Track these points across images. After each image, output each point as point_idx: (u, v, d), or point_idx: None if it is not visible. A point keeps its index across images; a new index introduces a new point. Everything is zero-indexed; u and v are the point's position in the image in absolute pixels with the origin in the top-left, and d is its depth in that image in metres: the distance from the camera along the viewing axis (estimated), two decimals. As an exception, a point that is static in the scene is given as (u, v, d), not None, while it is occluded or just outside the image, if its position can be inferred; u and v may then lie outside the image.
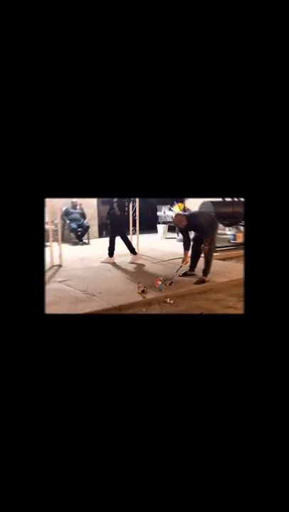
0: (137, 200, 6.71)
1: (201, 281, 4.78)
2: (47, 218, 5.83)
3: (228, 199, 7.90)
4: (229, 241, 7.86)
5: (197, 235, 4.81)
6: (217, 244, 7.03)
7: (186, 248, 4.96)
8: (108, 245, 6.03)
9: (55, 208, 6.32)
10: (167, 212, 9.41)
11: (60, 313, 3.54)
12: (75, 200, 8.40)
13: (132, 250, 6.15)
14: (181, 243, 5.07)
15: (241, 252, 7.26)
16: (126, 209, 6.31)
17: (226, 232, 8.84)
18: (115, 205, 5.85)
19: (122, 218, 6.11)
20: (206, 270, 4.87)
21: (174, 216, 5.69)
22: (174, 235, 9.23)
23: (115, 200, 5.83)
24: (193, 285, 4.69)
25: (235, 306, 4.04)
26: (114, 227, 5.99)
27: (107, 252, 6.05)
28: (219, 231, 8.14)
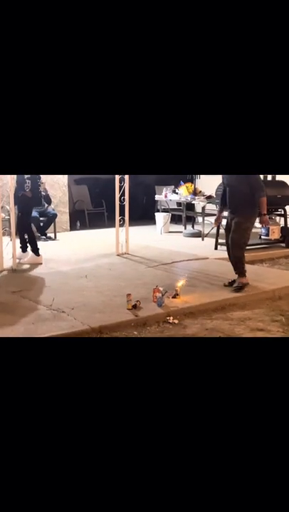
0: (126, 177, 6.75)
1: (240, 287, 5.06)
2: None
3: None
4: (260, 237, 7.92)
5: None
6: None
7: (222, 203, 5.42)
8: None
9: (5, 188, 6.31)
10: (170, 195, 9.46)
11: (11, 337, 3.53)
12: (42, 180, 8.40)
13: (35, 249, 6.36)
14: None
15: (277, 251, 7.33)
16: (39, 189, 6.66)
17: (255, 225, 8.92)
18: (28, 183, 6.11)
19: (34, 201, 6.46)
20: (239, 266, 5.12)
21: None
22: (180, 227, 9.29)
23: (27, 176, 6.09)
24: (230, 293, 4.84)
25: (268, 329, 4.08)
26: (24, 211, 6.33)
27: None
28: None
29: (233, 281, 5.17)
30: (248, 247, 7.29)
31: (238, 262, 5.20)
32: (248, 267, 5.41)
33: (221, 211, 5.61)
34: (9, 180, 5.96)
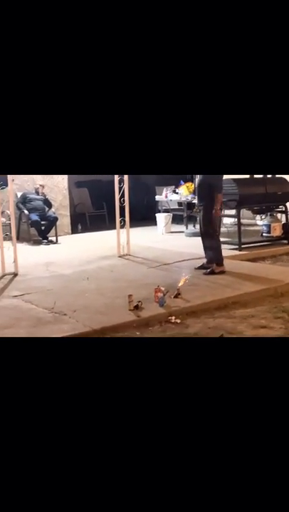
0: (126, 178, 6.76)
1: (211, 272, 5.64)
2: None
3: (257, 176, 7.95)
4: (262, 234, 7.91)
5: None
6: (245, 240, 7.17)
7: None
8: None
9: (5, 192, 6.34)
10: (170, 195, 9.46)
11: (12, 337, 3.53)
12: (40, 182, 8.46)
13: None
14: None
15: (279, 249, 7.32)
16: None
17: (257, 223, 8.94)
18: None
19: None
20: (214, 253, 5.69)
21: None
22: (181, 227, 9.29)
23: None
24: (233, 292, 4.76)
25: (271, 326, 4.06)
26: None
27: None
28: (245, 221, 8.27)
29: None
30: (250, 245, 7.33)
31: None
32: (250, 264, 5.43)
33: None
34: (9, 185, 5.97)
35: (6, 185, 5.96)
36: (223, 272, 5.68)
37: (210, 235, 5.87)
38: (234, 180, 7.20)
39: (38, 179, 8.56)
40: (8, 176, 5.89)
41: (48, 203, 8.47)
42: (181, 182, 9.35)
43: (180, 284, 4.78)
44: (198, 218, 6.03)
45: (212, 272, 5.67)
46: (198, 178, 5.92)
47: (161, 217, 9.29)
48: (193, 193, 8.89)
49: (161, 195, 9.63)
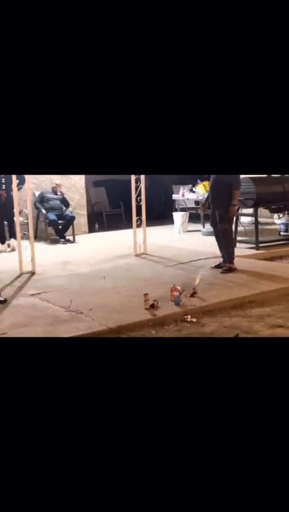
0: (142, 178, 6.77)
1: (228, 270, 5.66)
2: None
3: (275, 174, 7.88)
4: (279, 233, 7.85)
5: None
6: (262, 239, 7.12)
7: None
8: None
9: (23, 192, 6.40)
10: (187, 194, 9.44)
11: (29, 337, 3.57)
12: (57, 181, 8.52)
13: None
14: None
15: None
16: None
17: (274, 221, 8.87)
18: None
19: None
20: (228, 251, 5.68)
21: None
22: (198, 226, 9.26)
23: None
24: (249, 291, 4.73)
25: (288, 325, 4.03)
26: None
27: None
28: (263, 219, 8.20)
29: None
30: (267, 244, 7.28)
31: None
32: (266, 263, 5.40)
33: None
34: (26, 184, 6.02)
35: (24, 184, 6.05)
36: (234, 270, 5.75)
37: (228, 232, 5.86)
38: (251, 178, 7.15)
39: (56, 178, 8.62)
40: (26, 175, 5.96)
41: (65, 203, 8.52)
42: (198, 181, 9.32)
43: (196, 283, 4.78)
44: (211, 217, 5.97)
45: (229, 270, 5.66)
46: (213, 176, 5.88)
47: (178, 216, 9.28)
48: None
49: (178, 193, 9.62)
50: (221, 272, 5.64)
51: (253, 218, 7.57)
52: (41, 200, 8.35)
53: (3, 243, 7.57)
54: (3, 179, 7.21)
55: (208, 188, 8.89)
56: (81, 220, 9.19)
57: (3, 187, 7.38)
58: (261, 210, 7.81)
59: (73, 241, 8.33)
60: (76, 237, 8.47)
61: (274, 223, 8.81)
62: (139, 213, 6.90)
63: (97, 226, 9.73)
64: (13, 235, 7.20)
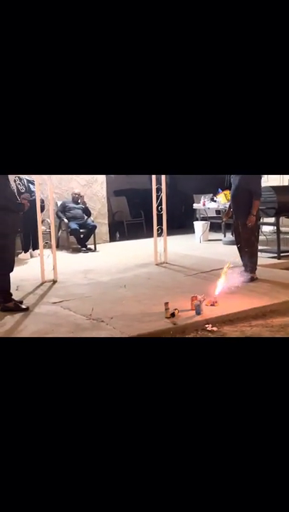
0: (163, 187, 6.80)
1: (250, 279, 5.55)
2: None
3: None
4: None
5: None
6: (284, 248, 7.06)
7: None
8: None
9: (46, 201, 6.49)
10: (208, 203, 9.43)
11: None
12: (76, 191, 8.61)
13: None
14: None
15: None
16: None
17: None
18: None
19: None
20: (252, 261, 5.65)
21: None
22: (219, 235, 9.24)
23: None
24: (271, 300, 4.70)
25: (310, 335, 3.98)
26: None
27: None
28: (284, 229, 8.13)
29: None
30: (286, 253, 7.21)
31: None
32: (288, 272, 5.34)
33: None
34: (49, 194, 6.10)
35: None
36: (255, 279, 5.73)
37: (252, 242, 5.80)
38: (272, 187, 7.12)
39: (77, 187, 8.71)
40: (49, 185, 6.04)
41: (87, 212, 8.60)
42: (219, 190, 9.30)
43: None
44: (233, 227, 5.99)
45: (251, 279, 5.63)
46: (234, 185, 5.84)
47: (198, 225, 9.28)
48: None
49: (199, 203, 9.61)
50: (244, 282, 5.58)
51: (275, 227, 7.52)
52: (63, 209, 8.45)
53: (26, 252, 7.68)
54: (24, 188, 7.25)
55: (229, 197, 8.94)
56: (102, 228, 9.26)
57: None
58: (283, 220, 7.75)
59: (94, 250, 8.40)
60: (97, 246, 8.54)
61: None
62: (160, 222, 6.93)
63: (118, 235, 9.79)
64: (35, 246, 7.37)
